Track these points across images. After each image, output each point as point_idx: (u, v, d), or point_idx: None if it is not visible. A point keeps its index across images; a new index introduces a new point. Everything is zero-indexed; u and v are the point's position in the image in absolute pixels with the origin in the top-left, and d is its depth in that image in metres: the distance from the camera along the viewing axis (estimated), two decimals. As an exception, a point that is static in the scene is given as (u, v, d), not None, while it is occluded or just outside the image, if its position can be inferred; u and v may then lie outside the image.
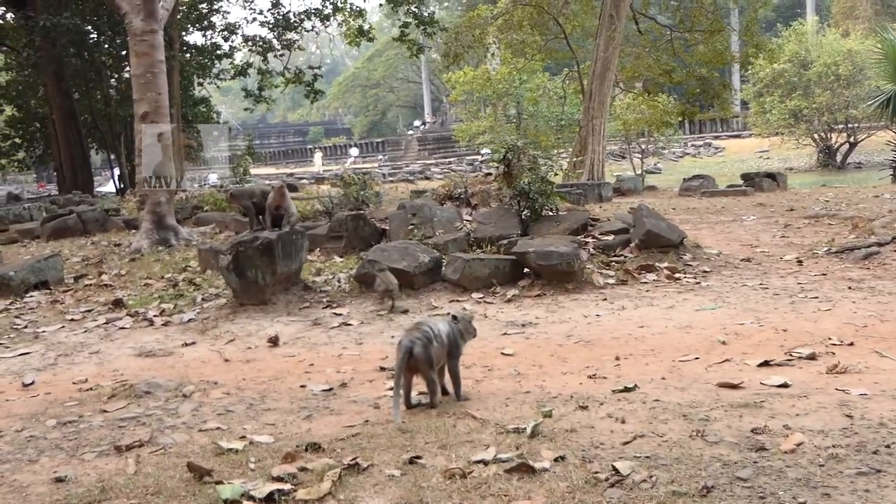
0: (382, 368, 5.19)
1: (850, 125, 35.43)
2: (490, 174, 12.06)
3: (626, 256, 8.42)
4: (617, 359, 5.16)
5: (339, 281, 8.01)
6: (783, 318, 5.94)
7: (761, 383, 4.39)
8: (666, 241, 8.49)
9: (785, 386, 4.31)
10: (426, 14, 25.06)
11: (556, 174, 12.42)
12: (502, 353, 5.47)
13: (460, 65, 29.70)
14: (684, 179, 19.45)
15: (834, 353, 4.92)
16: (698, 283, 7.48)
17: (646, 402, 4.16)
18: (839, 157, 36.36)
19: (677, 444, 3.55)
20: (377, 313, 6.92)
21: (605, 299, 7.01)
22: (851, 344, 5.13)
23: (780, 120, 35.67)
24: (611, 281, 7.62)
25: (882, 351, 4.91)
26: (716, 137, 49.51)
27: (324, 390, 4.80)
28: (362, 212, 10.47)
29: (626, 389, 4.40)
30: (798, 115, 35.19)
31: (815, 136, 36.57)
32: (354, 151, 60.11)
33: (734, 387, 4.34)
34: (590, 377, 4.77)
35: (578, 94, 26.82)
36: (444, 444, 3.67)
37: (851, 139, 36.03)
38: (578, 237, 8.75)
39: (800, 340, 5.27)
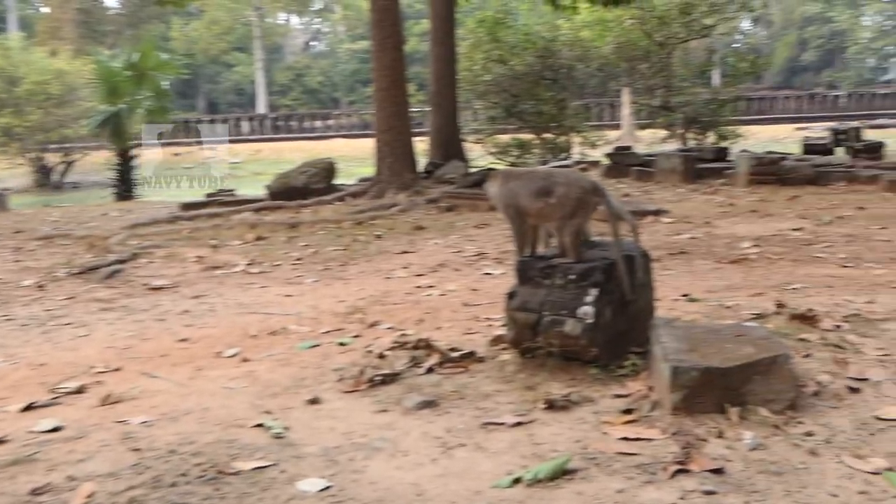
0: None
1: (65, 145, 35.28)
2: None
3: None
4: None
5: None
6: (39, 351, 5.31)
7: (29, 431, 3.76)
8: None
9: (58, 430, 3.77)
10: None
11: None
12: None
13: None
14: None
15: (103, 382, 4.54)
16: (-75, 322, 6.31)
17: None
18: (57, 177, 35.95)
19: (-62, 535, 2.76)
20: None
21: None
22: (118, 369, 4.82)
23: (-8, 138, 33.65)
24: None
25: (151, 372, 4.72)
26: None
27: None
28: None
29: None
30: (10, 134, 33.62)
31: (30, 155, 35.46)
32: None
33: (-2, 442, 3.64)
34: None
35: None
36: None
37: (68, 158, 35.94)
38: None
39: (63, 373, 4.75)
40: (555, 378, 4.01)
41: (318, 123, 59.06)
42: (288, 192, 13.78)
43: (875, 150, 16.82)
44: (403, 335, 5.21)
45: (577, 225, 4.10)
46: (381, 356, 4.66)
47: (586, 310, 4.00)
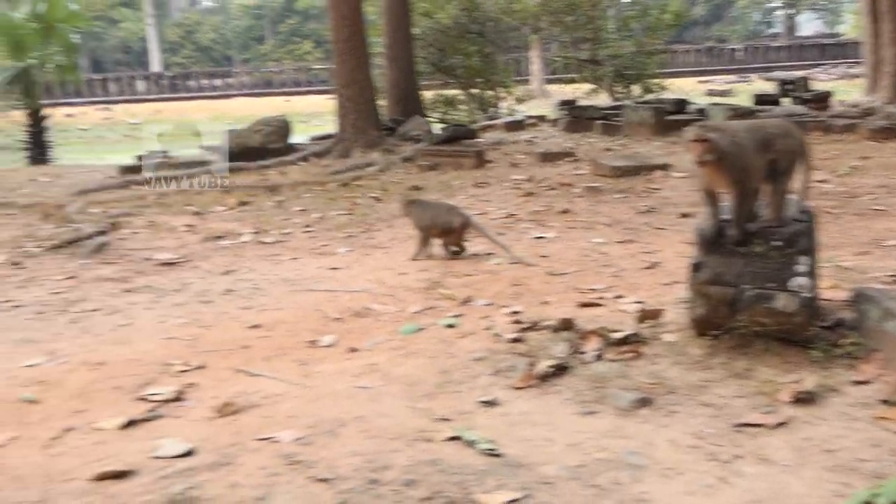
0: None
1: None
2: None
3: None
4: None
5: None
6: (83, 346, 4.39)
7: (154, 458, 2.97)
8: None
9: (191, 454, 2.99)
10: None
11: None
12: None
13: None
14: None
15: (197, 385, 3.73)
16: None
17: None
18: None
19: None
20: None
21: None
22: (203, 367, 4.00)
23: None
24: None
25: (248, 369, 3.93)
26: None
27: None
28: None
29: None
30: None
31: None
32: None
33: (120, 475, 2.84)
34: None
35: None
36: None
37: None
38: None
39: (134, 374, 3.90)
40: (764, 363, 3.45)
41: (217, 82, 56.64)
42: (244, 152, 12.70)
43: (823, 99, 16.86)
44: (516, 313, 4.57)
45: (788, 181, 3.53)
46: (517, 340, 4.01)
47: (802, 282, 3.44)
